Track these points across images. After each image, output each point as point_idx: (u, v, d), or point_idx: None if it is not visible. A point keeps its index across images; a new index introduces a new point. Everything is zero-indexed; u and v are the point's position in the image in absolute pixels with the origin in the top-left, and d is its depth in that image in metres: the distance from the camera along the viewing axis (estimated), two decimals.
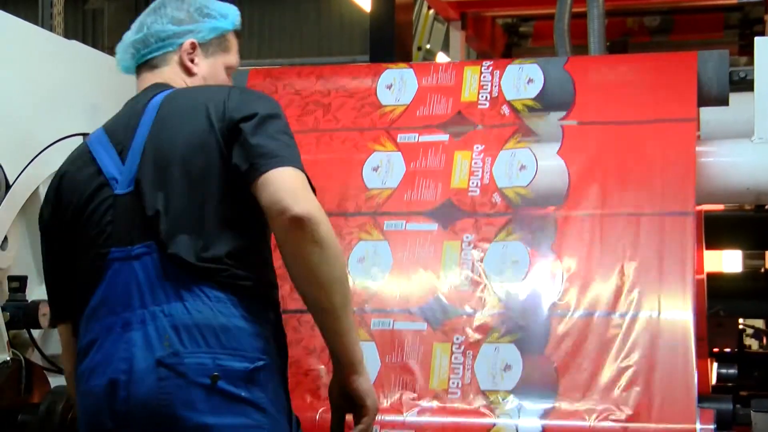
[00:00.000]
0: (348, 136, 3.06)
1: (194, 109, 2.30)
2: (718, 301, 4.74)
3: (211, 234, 2.24)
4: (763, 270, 5.98)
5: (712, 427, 2.52)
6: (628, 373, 2.58)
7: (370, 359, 2.60)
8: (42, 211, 2.44)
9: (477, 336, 2.69)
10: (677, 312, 2.62)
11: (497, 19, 7.55)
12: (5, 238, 2.81)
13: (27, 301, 2.88)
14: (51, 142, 2.99)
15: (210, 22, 2.49)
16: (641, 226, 2.74)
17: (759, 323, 6.59)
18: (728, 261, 6.12)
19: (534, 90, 3.02)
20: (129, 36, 2.49)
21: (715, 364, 4.18)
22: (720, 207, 4.81)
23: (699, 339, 2.66)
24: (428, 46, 7.12)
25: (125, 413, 2.17)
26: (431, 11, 7.03)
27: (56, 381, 2.85)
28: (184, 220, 2.24)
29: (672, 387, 2.56)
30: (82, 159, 2.38)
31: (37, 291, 2.94)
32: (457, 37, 7.03)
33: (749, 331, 6.39)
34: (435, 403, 2.61)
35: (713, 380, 4.05)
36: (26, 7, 9.48)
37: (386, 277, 2.81)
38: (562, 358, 2.61)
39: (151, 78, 2.46)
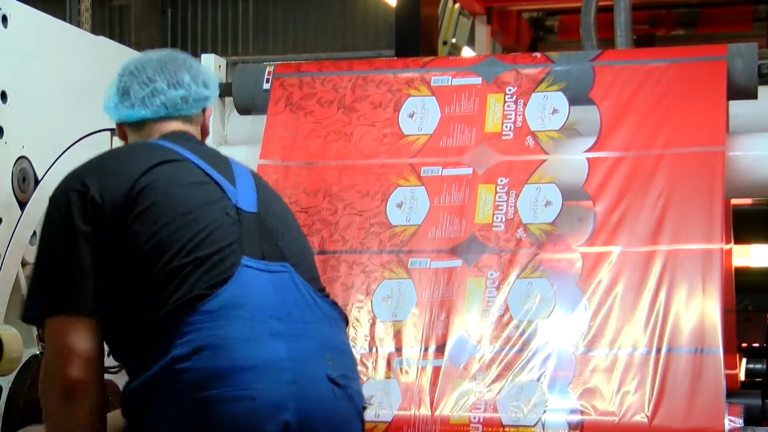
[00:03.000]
0: (371, 168, 3.02)
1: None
2: (747, 296, 4.71)
3: (316, 270, 2.36)
4: None
5: (740, 422, 2.50)
6: (657, 364, 2.58)
7: (393, 393, 2.68)
8: (99, 196, 2.18)
9: (500, 380, 2.67)
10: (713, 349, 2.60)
11: (523, 13, 7.53)
12: (34, 232, 2.83)
13: None
14: (79, 138, 3.01)
15: (216, 88, 2.52)
16: (667, 260, 2.71)
17: None
18: (756, 255, 6.08)
19: (559, 121, 2.97)
20: (163, 88, 2.41)
21: (744, 360, 4.16)
22: (748, 201, 4.78)
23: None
24: (454, 41, 7.10)
25: (297, 424, 2.08)
26: (457, 5, 7.02)
27: None
28: (301, 253, 2.31)
29: (700, 381, 2.55)
30: (173, 157, 2.27)
31: None
32: (482, 31, 7.02)
33: None
34: None
35: (742, 376, 4.03)
36: (54, 4, 9.54)
37: (409, 315, 2.81)
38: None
39: (184, 128, 2.43)
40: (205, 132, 2.51)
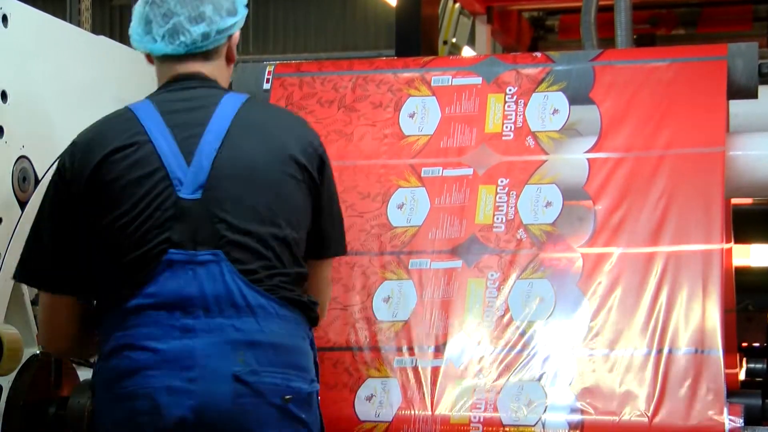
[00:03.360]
0: (371, 169, 3.02)
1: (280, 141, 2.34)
2: (747, 296, 4.71)
3: (275, 252, 2.26)
4: None
5: (740, 421, 2.50)
6: (658, 364, 2.58)
7: (393, 392, 2.68)
8: (70, 175, 2.33)
9: (501, 380, 2.66)
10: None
11: (523, 13, 7.54)
12: None
13: None
14: None
15: (244, 8, 2.48)
16: (668, 260, 2.71)
17: None
18: (757, 255, 6.08)
19: (559, 121, 2.97)
20: (183, 23, 2.38)
21: (744, 359, 4.16)
22: (748, 201, 4.78)
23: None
24: (454, 40, 7.11)
25: (189, 420, 2.15)
26: (457, 5, 7.02)
27: (84, 375, 2.87)
28: (251, 236, 2.24)
29: (700, 381, 2.55)
30: (137, 139, 2.29)
31: None
32: (483, 31, 7.03)
33: None
34: None
35: (742, 375, 4.03)
36: (54, 3, 9.55)
37: (409, 316, 2.80)
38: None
39: (200, 68, 2.41)
40: (231, 58, 2.49)
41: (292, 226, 2.31)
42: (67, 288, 2.35)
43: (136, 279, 2.23)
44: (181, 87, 2.39)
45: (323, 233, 2.44)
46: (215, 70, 2.44)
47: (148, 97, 2.41)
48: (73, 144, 2.39)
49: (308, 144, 2.38)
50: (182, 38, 2.38)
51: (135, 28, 2.44)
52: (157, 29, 2.39)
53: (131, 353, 2.22)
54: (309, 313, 2.34)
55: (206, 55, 2.42)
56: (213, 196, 2.25)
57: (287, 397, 2.18)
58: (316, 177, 2.37)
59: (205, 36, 2.39)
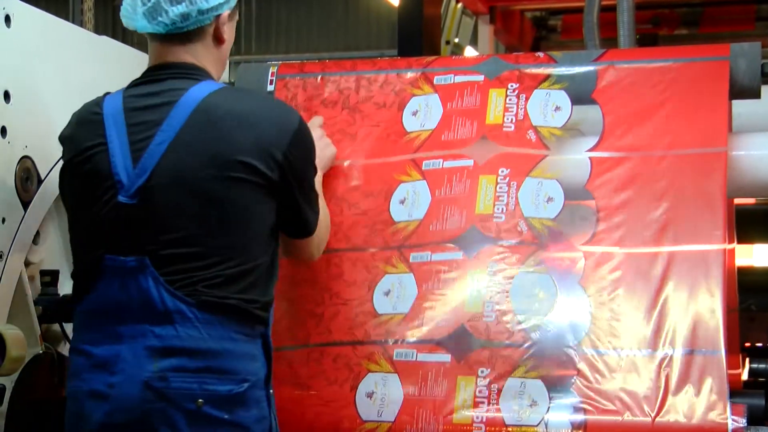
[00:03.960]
0: (375, 167, 3.01)
1: (237, 129, 2.28)
2: (750, 296, 4.71)
3: (202, 257, 2.24)
4: None
5: (743, 421, 2.50)
6: (660, 364, 2.58)
7: (392, 390, 2.65)
8: (63, 168, 2.46)
9: (503, 369, 2.66)
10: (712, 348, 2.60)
11: (526, 13, 7.54)
12: (37, 232, 2.83)
13: (59, 295, 2.90)
14: None
15: None
16: (670, 260, 2.70)
17: None
18: (759, 255, 6.07)
19: (561, 119, 2.96)
20: (162, 3, 2.35)
21: (747, 359, 4.15)
22: (751, 200, 4.77)
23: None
24: (456, 40, 7.11)
25: (108, 425, 2.21)
26: (459, 5, 7.02)
27: None
28: (177, 242, 2.23)
29: (703, 381, 2.55)
30: (97, 141, 2.31)
31: (68, 285, 2.96)
32: (485, 30, 7.03)
33: None
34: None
35: (745, 375, 4.03)
36: (57, 3, 9.55)
37: (409, 310, 2.79)
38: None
39: (181, 52, 2.38)
40: (219, 39, 2.42)
41: (226, 230, 2.27)
42: None
43: (83, 285, 2.30)
44: (152, 78, 2.38)
45: (301, 217, 2.47)
46: (200, 52, 2.40)
47: (122, 90, 2.41)
48: (60, 139, 2.48)
49: (269, 143, 2.31)
50: (161, 18, 2.35)
51: (125, 5, 2.42)
52: (141, 7, 2.37)
53: (75, 356, 2.31)
54: (245, 313, 2.29)
55: (188, 36, 2.38)
56: (148, 201, 2.25)
57: (200, 401, 2.18)
58: (272, 175, 2.31)
59: (185, 16, 2.35)
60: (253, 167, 2.28)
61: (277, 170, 2.33)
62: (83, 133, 2.36)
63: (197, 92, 2.32)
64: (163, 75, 2.37)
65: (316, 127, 2.89)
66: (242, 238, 2.30)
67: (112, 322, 2.23)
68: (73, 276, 2.39)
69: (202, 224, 2.25)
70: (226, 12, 2.41)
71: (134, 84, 2.41)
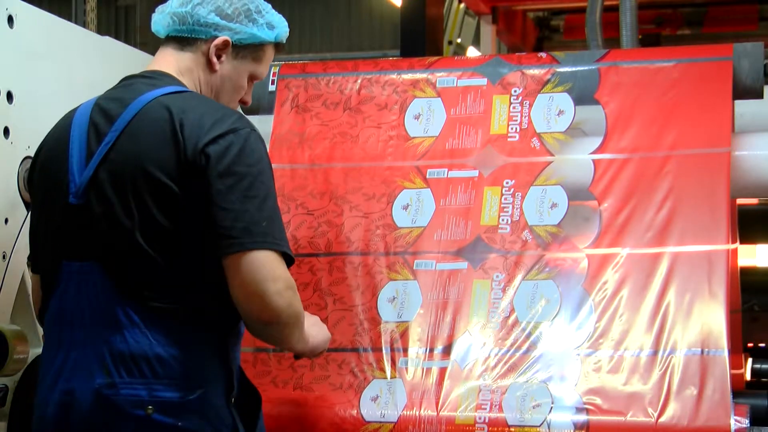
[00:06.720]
0: (376, 170, 3.01)
1: (170, 132, 2.19)
2: (753, 296, 4.71)
3: (153, 260, 2.18)
4: None
5: (746, 422, 2.50)
6: (663, 364, 2.58)
7: (399, 393, 2.68)
8: (30, 171, 2.42)
9: (506, 380, 2.66)
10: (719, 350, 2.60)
11: (528, 13, 7.54)
12: None
13: None
14: None
15: (253, 28, 2.37)
16: (673, 261, 2.70)
17: None
18: (762, 255, 6.07)
19: (565, 122, 2.96)
20: (173, 5, 2.36)
21: (750, 360, 4.15)
22: (754, 201, 4.77)
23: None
24: (459, 41, 7.12)
25: None
26: (462, 5, 7.03)
27: None
28: (126, 244, 2.18)
29: (706, 382, 2.55)
30: (61, 144, 2.28)
31: None
32: (488, 31, 7.04)
33: None
34: None
35: (748, 376, 4.02)
36: (60, 4, 9.56)
37: (414, 316, 2.79)
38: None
39: (170, 56, 2.36)
40: (211, 65, 2.35)
41: (151, 237, 2.18)
42: None
43: (46, 291, 2.29)
44: (123, 84, 2.36)
45: (218, 231, 2.16)
46: (189, 63, 2.35)
47: (97, 96, 2.37)
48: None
49: (176, 155, 2.17)
50: (160, 16, 2.37)
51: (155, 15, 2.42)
52: (158, 14, 2.39)
53: (41, 363, 2.30)
54: (194, 319, 2.22)
55: (182, 43, 2.35)
56: (92, 201, 2.22)
57: (150, 408, 2.16)
58: (174, 188, 2.16)
59: (182, 20, 2.34)
60: (156, 179, 2.17)
61: (185, 178, 2.16)
62: (51, 140, 2.34)
63: (152, 94, 2.27)
64: (135, 82, 2.35)
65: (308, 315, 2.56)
66: (170, 246, 2.20)
67: (67, 328, 2.22)
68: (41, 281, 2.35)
69: (136, 230, 2.18)
70: (224, 38, 2.35)
71: (108, 90, 2.39)
